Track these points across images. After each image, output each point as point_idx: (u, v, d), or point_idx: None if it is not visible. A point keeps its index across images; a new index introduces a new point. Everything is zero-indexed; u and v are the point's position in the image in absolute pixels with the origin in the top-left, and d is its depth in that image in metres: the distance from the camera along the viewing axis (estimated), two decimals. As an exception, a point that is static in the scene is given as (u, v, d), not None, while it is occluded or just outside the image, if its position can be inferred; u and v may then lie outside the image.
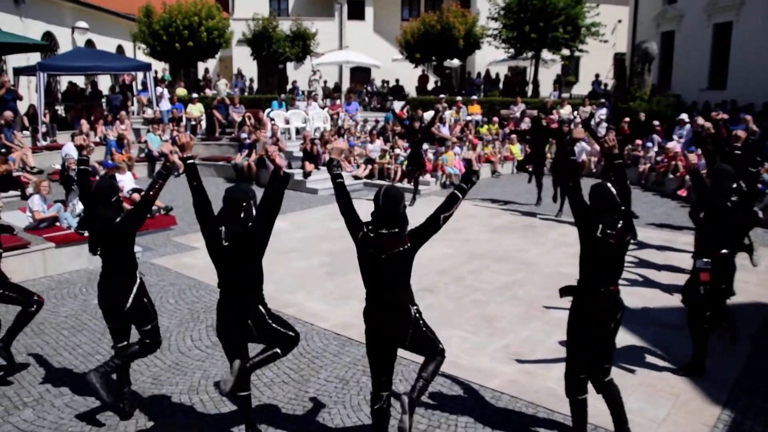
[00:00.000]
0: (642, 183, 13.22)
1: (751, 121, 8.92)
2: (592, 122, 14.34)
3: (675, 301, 5.95)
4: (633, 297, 6.18)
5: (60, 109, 16.91)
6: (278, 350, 3.59)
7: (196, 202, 3.59)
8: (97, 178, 11.07)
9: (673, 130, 14.08)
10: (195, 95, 17.59)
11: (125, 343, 4.12)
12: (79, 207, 8.07)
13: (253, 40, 21.40)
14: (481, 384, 4.63)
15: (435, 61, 22.81)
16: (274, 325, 3.59)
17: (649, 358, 5.03)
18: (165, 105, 16.53)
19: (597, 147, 13.89)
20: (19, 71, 15.89)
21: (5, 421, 4.13)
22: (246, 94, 21.10)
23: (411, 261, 3.36)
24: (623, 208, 3.58)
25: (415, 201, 11.23)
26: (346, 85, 26.26)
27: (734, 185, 4.94)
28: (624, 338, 5.12)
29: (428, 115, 15.29)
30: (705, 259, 4.64)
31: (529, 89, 21.34)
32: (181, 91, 18.09)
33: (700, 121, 8.74)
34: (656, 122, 14.22)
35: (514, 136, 15.70)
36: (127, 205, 9.64)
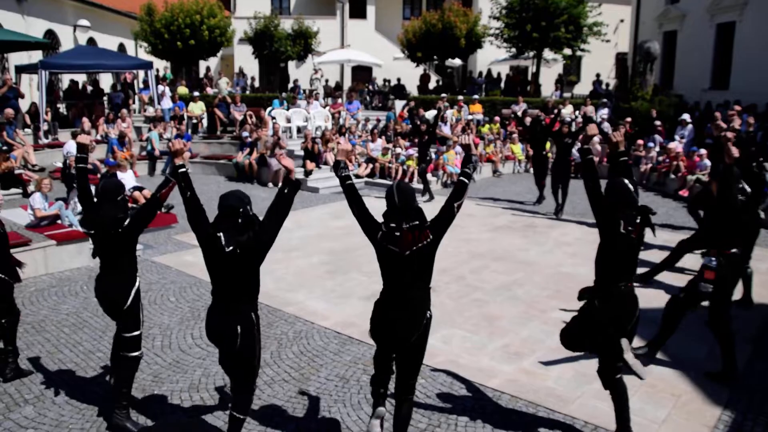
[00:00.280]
0: (643, 183, 13.20)
1: (736, 118, 8.87)
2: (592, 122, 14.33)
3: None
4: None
5: (62, 107, 16.91)
6: (240, 416, 3.51)
7: (191, 213, 3.47)
8: (98, 176, 11.14)
9: (675, 130, 14.06)
10: (196, 93, 17.58)
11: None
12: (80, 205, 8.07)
13: (254, 39, 21.38)
14: (481, 383, 4.63)
15: (436, 61, 22.77)
16: (256, 345, 3.45)
17: (650, 359, 5.02)
18: (166, 103, 16.54)
19: (598, 147, 13.89)
20: (21, 69, 15.92)
21: (6, 418, 4.14)
22: (247, 92, 21.07)
23: (434, 255, 3.34)
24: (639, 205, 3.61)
25: (432, 197, 11.62)
26: (347, 83, 26.24)
27: (740, 185, 4.94)
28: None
29: (429, 114, 15.29)
30: (712, 258, 4.63)
31: (531, 88, 21.30)
32: (182, 90, 18.09)
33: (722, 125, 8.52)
34: (658, 122, 14.21)
35: (515, 135, 15.72)
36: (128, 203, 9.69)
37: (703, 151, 11.92)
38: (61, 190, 9.50)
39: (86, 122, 13.90)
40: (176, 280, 7.03)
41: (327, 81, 24.09)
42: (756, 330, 5.62)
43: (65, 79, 18.53)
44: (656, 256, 7.97)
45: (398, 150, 13.95)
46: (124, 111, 15.41)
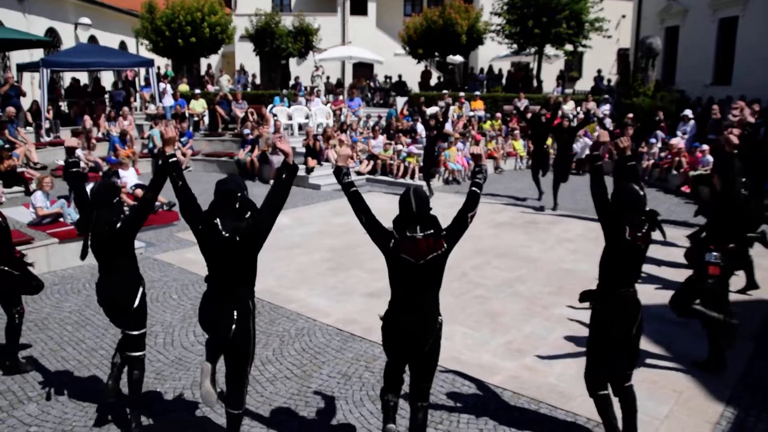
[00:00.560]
0: (645, 179, 13.17)
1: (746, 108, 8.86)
2: (595, 119, 14.30)
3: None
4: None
5: (63, 105, 16.92)
6: (235, 411, 3.48)
7: (183, 202, 3.41)
8: (100, 174, 11.15)
9: (677, 126, 14.02)
10: (198, 91, 17.56)
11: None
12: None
13: (255, 36, 21.35)
14: (483, 380, 4.63)
15: (438, 57, 22.73)
16: (251, 332, 3.42)
17: (652, 355, 5.02)
18: (168, 101, 16.53)
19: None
20: (22, 67, 15.92)
21: (10, 416, 4.16)
22: (248, 89, 21.05)
23: (445, 264, 3.31)
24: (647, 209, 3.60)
25: (431, 193, 11.52)
26: (348, 80, 26.22)
27: (743, 179, 4.95)
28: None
29: (430, 111, 15.25)
30: (715, 253, 4.63)
31: (533, 84, 21.25)
32: (183, 87, 18.08)
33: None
34: (662, 116, 14.14)
35: (517, 132, 15.69)
36: (130, 201, 9.71)
37: (705, 147, 11.89)
38: (64, 188, 9.51)
39: (88, 120, 13.90)
40: (178, 278, 7.04)
41: (328, 78, 24.05)
42: (758, 327, 5.61)
43: (67, 77, 18.53)
44: (659, 252, 7.96)
45: (399, 147, 13.94)
46: (126, 109, 15.42)
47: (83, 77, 19.48)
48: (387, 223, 3.38)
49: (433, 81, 23.43)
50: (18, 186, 10.95)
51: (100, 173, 11.27)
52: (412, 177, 13.06)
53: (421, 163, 13.18)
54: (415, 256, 3.17)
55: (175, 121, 15.63)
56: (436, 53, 21.91)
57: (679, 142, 13.10)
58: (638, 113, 14.41)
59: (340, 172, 3.49)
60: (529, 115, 12.74)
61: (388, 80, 24.52)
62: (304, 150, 13.62)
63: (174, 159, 3.55)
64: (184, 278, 7.01)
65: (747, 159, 6.25)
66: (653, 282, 6.82)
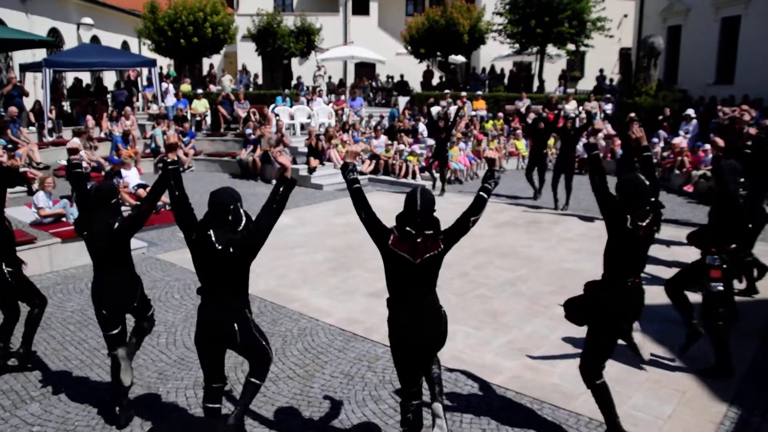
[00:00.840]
0: (648, 178, 13.16)
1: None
2: (597, 118, 14.28)
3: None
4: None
5: (66, 105, 16.95)
6: (257, 381, 3.55)
7: (178, 212, 3.41)
8: (103, 174, 11.17)
9: (680, 125, 13.99)
10: (200, 91, 17.59)
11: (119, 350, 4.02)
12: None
13: (257, 36, 21.37)
14: (485, 379, 4.63)
15: (440, 57, 22.73)
16: (256, 334, 3.50)
17: (654, 354, 5.00)
18: (170, 100, 16.56)
19: (602, 143, 13.83)
20: (25, 67, 15.95)
21: (13, 415, 4.16)
22: (250, 89, 21.07)
23: (441, 263, 3.31)
24: (653, 199, 3.59)
25: (443, 191, 11.80)
26: (350, 80, 26.22)
27: (741, 180, 4.91)
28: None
29: (434, 110, 15.24)
30: (715, 256, 4.61)
31: (534, 84, 21.24)
32: (185, 87, 18.10)
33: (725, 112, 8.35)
34: (667, 111, 14.10)
35: (519, 131, 15.68)
36: (132, 201, 9.72)
37: (707, 147, 11.86)
38: (66, 188, 9.52)
39: (90, 120, 13.93)
40: (180, 278, 7.05)
41: (330, 78, 24.06)
42: (763, 325, 5.59)
43: (69, 77, 18.56)
44: (662, 252, 7.96)
45: (401, 146, 13.93)
46: (128, 109, 15.44)
47: (86, 77, 19.51)
48: (387, 222, 3.38)
49: (435, 81, 23.42)
50: (20, 186, 10.97)
51: (103, 173, 11.28)
52: (414, 177, 13.06)
53: (422, 164, 13.20)
54: (413, 254, 3.18)
55: (176, 124, 15.64)
56: (438, 53, 21.90)
57: (681, 141, 13.08)
58: (640, 113, 14.38)
59: (346, 168, 3.51)
60: (531, 116, 12.73)
61: (390, 80, 24.51)
62: (306, 150, 13.63)
63: (175, 167, 3.54)
64: (186, 278, 7.01)
65: (755, 159, 6.25)
66: (657, 282, 6.80)
